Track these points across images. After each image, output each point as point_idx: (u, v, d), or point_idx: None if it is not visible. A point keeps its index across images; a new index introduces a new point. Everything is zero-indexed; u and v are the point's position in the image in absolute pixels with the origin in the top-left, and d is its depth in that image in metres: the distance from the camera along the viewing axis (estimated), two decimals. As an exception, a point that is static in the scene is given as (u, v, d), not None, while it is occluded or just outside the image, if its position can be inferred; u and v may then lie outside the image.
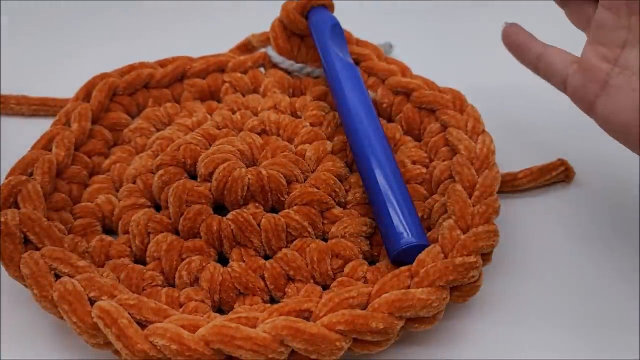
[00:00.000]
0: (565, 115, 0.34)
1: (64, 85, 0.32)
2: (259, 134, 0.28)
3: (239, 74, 0.32)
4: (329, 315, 0.20)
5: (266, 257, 0.24)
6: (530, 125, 0.33)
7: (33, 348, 0.22)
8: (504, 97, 0.35)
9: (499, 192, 0.24)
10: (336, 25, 0.31)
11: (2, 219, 0.22)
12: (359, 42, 0.33)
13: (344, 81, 0.28)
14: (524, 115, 0.33)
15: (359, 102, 0.27)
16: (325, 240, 0.24)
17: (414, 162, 0.27)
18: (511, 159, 0.29)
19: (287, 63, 0.33)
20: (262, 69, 0.34)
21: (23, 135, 0.28)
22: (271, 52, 0.33)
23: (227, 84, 0.32)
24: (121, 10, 0.44)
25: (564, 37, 0.34)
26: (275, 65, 0.33)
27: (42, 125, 0.28)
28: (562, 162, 0.29)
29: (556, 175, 0.28)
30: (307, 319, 0.20)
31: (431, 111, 0.29)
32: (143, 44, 0.39)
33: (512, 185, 0.28)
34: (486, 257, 0.23)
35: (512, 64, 0.38)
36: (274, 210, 0.25)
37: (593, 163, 0.30)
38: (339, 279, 0.23)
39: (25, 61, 0.38)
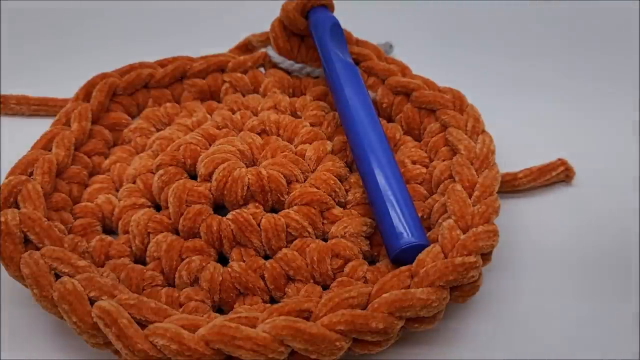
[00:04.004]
0: (565, 115, 0.34)
1: (64, 85, 0.32)
2: (259, 134, 0.28)
3: (239, 74, 0.32)
4: (329, 315, 0.19)
5: (266, 257, 0.24)
6: (530, 125, 0.33)
7: (33, 348, 0.22)
8: (504, 97, 0.35)
9: (499, 192, 0.24)
10: (336, 25, 0.31)
11: (2, 219, 0.22)
12: (359, 42, 0.33)
13: (344, 81, 0.28)
14: (524, 115, 0.34)
15: (359, 102, 0.27)
16: (325, 240, 0.24)
17: (414, 162, 0.27)
18: (511, 159, 0.29)
19: (287, 63, 0.33)
20: (262, 69, 0.34)
21: (23, 135, 0.28)
22: (271, 52, 0.33)
23: (227, 84, 0.32)
24: (121, 10, 0.44)
25: (564, 36, 0.34)
26: (275, 65, 0.33)
27: (42, 125, 0.28)
28: (562, 162, 0.29)
29: (556, 175, 0.28)
30: (307, 319, 0.20)
31: (431, 111, 0.29)
32: (143, 43, 0.39)
33: (512, 185, 0.28)
34: (486, 257, 0.23)
35: (511, 64, 0.38)
36: (274, 210, 0.25)
37: (593, 163, 0.30)
38: (339, 279, 0.23)
39: (25, 61, 0.38)
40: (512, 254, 0.26)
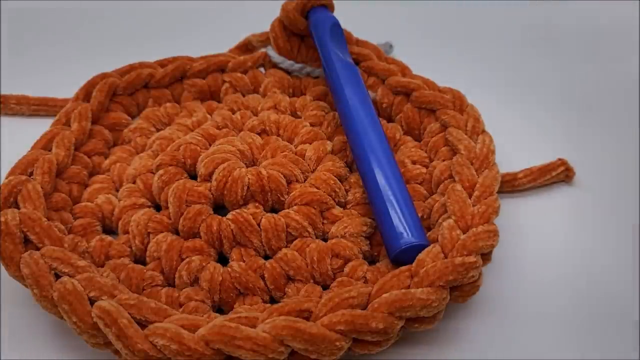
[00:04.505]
0: (565, 115, 0.34)
1: (64, 85, 0.32)
2: (259, 134, 0.28)
3: (239, 74, 0.32)
4: (329, 315, 0.19)
5: (266, 257, 0.24)
6: (530, 125, 0.33)
7: (33, 348, 0.22)
8: (504, 97, 0.35)
9: (499, 192, 0.24)
10: (336, 25, 0.31)
11: (2, 219, 0.22)
12: (359, 42, 0.33)
13: (344, 81, 0.28)
14: (523, 115, 0.34)
15: (359, 102, 0.27)
16: (325, 240, 0.24)
17: (414, 162, 0.27)
18: (511, 159, 0.29)
19: (287, 63, 0.33)
20: (262, 69, 0.34)
21: (23, 135, 0.28)
22: (271, 52, 0.33)
23: (227, 84, 0.32)
24: (121, 10, 0.44)
25: (564, 36, 0.34)
26: (275, 65, 0.33)
27: (42, 125, 0.28)
28: (562, 162, 0.29)
29: (556, 175, 0.28)
30: (307, 319, 0.20)
31: (431, 111, 0.29)
32: (143, 44, 0.39)
33: (512, 185, 0.28)
34: (486, 257, 0.23)
35: (512, 64, 0.38)
36: (274, 210, 0.25)
37: (593, 163, 0.30)
38: (339, 279, 0.23)
39: (26, 61, 0.38)
40: (512, 254, 0.26)
